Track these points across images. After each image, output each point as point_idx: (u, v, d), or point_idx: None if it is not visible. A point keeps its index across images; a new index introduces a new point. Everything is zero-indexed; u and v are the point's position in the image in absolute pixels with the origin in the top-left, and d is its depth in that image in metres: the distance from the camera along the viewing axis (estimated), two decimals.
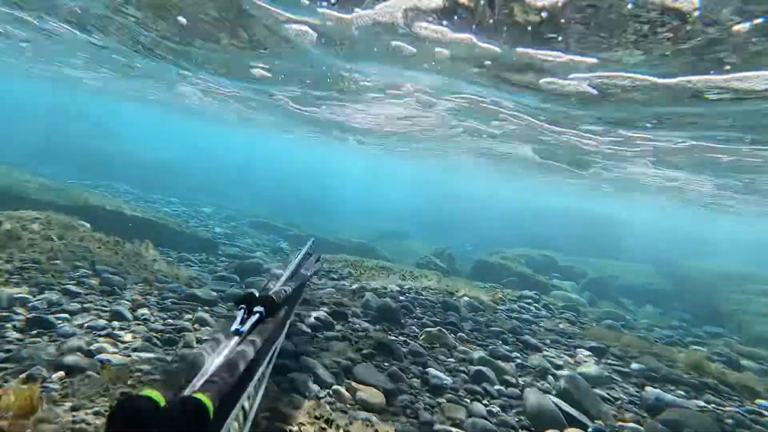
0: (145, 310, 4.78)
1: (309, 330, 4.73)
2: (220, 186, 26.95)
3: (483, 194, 37.67)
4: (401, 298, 6.52)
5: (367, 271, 8.35)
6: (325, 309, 5.52)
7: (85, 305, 4.63)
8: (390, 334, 4.99)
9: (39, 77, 22.27)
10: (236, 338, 1.74)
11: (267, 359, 2.16)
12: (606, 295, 13.19)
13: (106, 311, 4.57)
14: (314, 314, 5.14)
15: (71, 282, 5.15)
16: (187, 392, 1.31)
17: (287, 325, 3.09)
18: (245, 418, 1.74)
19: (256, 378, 1.88)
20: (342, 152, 43.01)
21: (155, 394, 1.14)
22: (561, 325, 6.48)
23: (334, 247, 15.06)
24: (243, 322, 1.90)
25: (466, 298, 6.93)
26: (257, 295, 2.15)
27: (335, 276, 7.71)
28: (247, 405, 1.76)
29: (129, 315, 4.57)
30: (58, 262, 5.51)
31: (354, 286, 7.03)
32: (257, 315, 1.98)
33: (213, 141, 48.75)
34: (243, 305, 2.05)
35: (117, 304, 4.78)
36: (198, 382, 1.37)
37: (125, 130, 33.67)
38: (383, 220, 27.23)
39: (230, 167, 34.28)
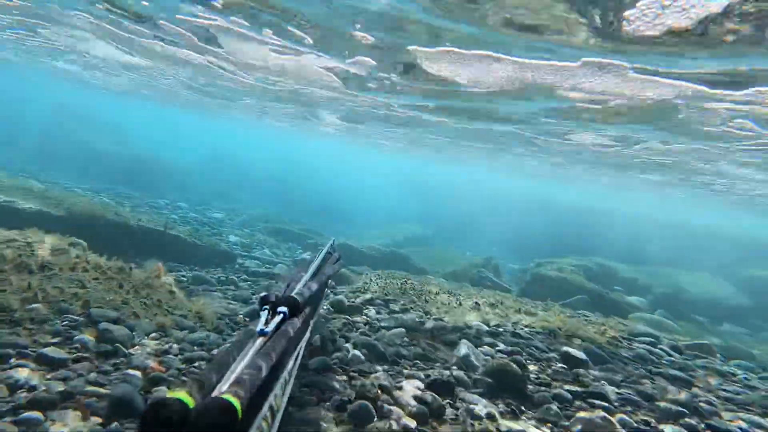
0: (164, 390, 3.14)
1: (413, 423, 3.07)
2: (231, 189, 25.41)
3: (494, 193, 35.69)
4: (500, 344, 4.86)
5: (432, 297, 6.70)
6: (418, 375, 3.86)
7: (72, 383, 3.01)
8: (523, 419, 3.34)
9: (37, 72, 20.82)
10: (261, 339, 1.70)
11: (293, 359, 2.14)
12: (681, 314, 11.47)
13: (103, 396, 2.94)
14: (408, 387, 3.49)
15: (54, 340, 3.53)
16: (215, 393, 1.27)
17: (311, 325, 3.08)
18: (273, 417, 1.69)
19: (282, 378, 1.86)
20: (351, 151, 41.40)
21: (184, 396, 1.14)
22: (711, 380, 4.82)
23: (364, 257, 13.43)
24: (267, 322, 1.85)
25: (577, 341, 5.28)
26: (280, 295, 2.12)
27: (397, 307, 6.06)
28: (274, 404, 1.72)
29: (140, 402, 2.94)
30: (37, 306, 3.89)
31: (429, 324, 5.39)
32: (281, 315, 1.94)
33: (220, 142, 47.22)
34: (267, 306, 1.99)
35: (121, 380, 3.16)
36: (225, 383, 1.34)
37: (132, 131, 32.16)
38: (400, 222, 25.55)
39: (237, 169, 32.67)
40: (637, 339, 5.80)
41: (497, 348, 4.72)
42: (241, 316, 5.54)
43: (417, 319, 5.65)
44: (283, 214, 21.19)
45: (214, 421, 1.09)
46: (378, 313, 5.94)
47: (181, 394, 1.15)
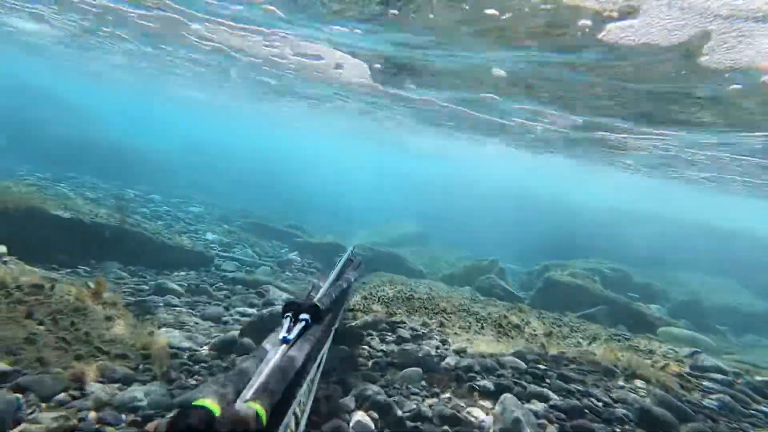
0: None
1: None
2: (212, 180, 23.74)
3: (486, 189, 34.44)
4: (550, 394, 3.65)
5: (446, 318, 5.48)
6: None
7: None
8: None
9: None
10: (284, 346, 1.71)
11: (315, 365, 2.14)
12: (701, 323, 10.54)
13: None
14: None
15: None
16: (240, 401, 1.27)
17: (333, 332, 3.00)
18: (297, 424, 1.71)
19: (305, 384, 1.88)
20: (339, 143, 39.92)
21: (210, 404, 1.15)
22: None
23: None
24: (289, 330, 1.85)
25: (640, 383, 4.13)
26: (302, 302, 2.10)
27: (406, 333, 4.81)
28: (298, 411, 1.73)
29: None
30: None
31: (451, 360, 4.17)
32: (303, 322, 1.93)
33: (202, 130, 45.05)
34: (289, 313, 1.99)
35: None
36: (250, 390, 1.34)
37: (104, 116, 29.98)
38: (393, 219, 24.30)
39: (219, 159, 30.82)
40: (705, 376, 4.69)
41: (550, 402, 3.51)
42: (205, 349, 4.20)
43: (434, 352, 4.42)
44: (268, 209, 19.73)
45: (239, 429, 1.11)
46: (383, 340, 4.68)
47: (207, 402, 1.15)
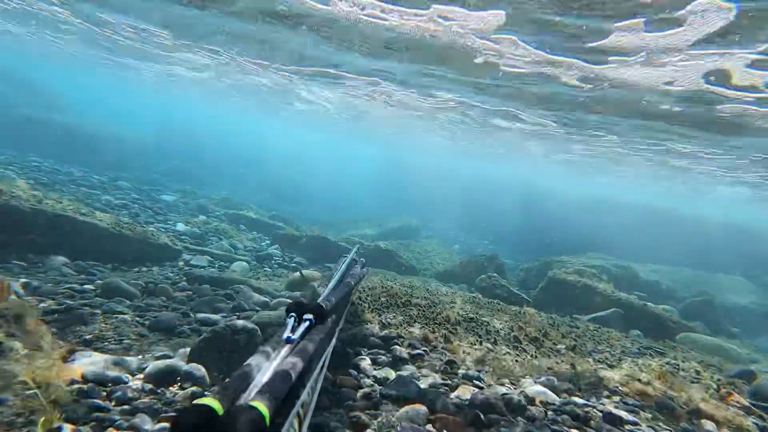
0: None
1: None
2: (192, 168, 22.33)
3: (475, 181, 33.47)
4: None
5: (451, 330, 4.48)
6: None
7: None
8: None
9: None
10: (288, 346, 1.70)
11: (319, 366, 2.11)
12: (718, 327, 9.82)
13: None
14: None
15: None
16: (243, 400, 1.28)
17: (337, 333, 2.96)
18: (300, 424, 1.67)
19: (309, 385, 1.83)
20: (326, 133, 38.54)
21: (214, 403, 1.14)
22: None
23: (345, 254, 11.10)
24: (293, 330, 1.84)
25: (709, 427, 3.21)
26: (306, 303, 2.08)
27: (404, 351, 3.80)
28: (301, 411, 1.68)
29: None
30: None
31: (464, 393, 3.19)
32: (307, 323, 1.93)
33: (186, 118, 43.08)
34: (293, 314, 1.97)
35: None
36: (253, 390, 1.34)
37: (77, 99, 28.10)
38: (382, 211, 23.27)
39: (198, 146, 29.22)
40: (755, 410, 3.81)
41: None
42: (137, 381, 3.10)
43: (441, 381, 3.42)
44: (251, 199, 18.52)
45: (242, 428, 1.08)
46: (375, 363, 3.67)
47: (210, 401, 1.13)
